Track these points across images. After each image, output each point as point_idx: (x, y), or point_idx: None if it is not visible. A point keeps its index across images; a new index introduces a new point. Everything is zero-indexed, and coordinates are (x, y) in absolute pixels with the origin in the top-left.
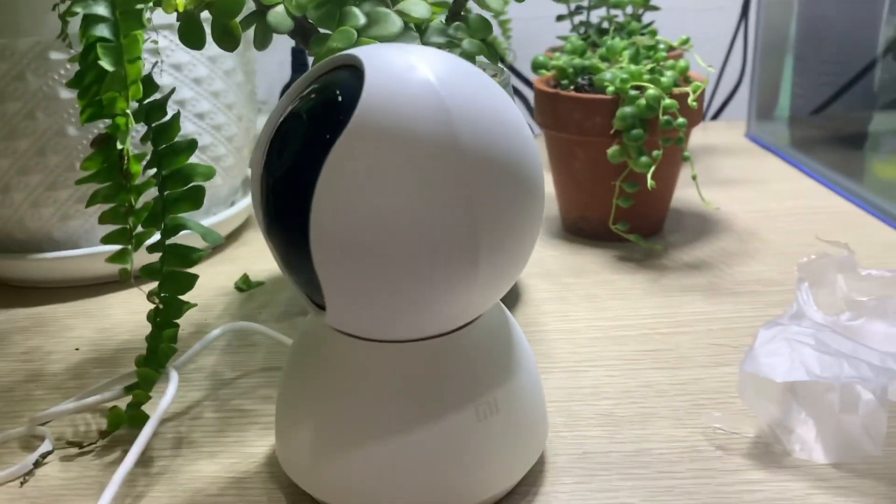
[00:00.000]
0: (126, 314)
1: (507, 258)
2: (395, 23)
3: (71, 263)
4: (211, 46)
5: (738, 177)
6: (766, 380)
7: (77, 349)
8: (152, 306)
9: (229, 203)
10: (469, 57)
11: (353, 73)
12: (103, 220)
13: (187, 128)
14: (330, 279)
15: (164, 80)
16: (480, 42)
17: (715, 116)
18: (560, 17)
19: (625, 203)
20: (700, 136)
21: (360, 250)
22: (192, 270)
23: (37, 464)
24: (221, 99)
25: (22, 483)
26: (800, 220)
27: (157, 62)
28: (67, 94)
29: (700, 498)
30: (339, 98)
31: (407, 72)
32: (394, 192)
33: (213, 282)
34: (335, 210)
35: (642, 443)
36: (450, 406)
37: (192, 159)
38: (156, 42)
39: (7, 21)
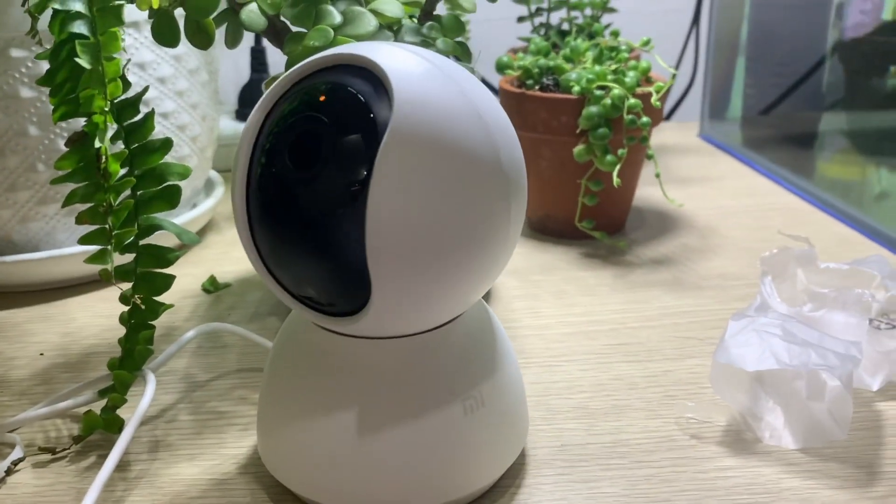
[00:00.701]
0: (89, 318)
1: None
2: (371, 22)
3: (31, 267)
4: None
5: (693, 175)
6: (736, 369)
7: (42, 354)
8: (119, 309)
9: (191, 205)
10: (444, 55)
11: (360, 72)
12: (81, 219)
13: None
14: (382, 280)
15: (129, 78)
16: (454, 42)
17: (668, 117)
18: (521, 19)
19: (590, 201)
20: (655, 136)
21: (415, 251)
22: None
23: (8, 471)
24: (186, 98)
25: None
26: (756, 217)
27: (128, 60)
28: (29, 93)
29: (678, 485)
30: (364, 98)
31: (426, 70)
32: (444, 193)
33: (178, 284)
34: (391, 214)
35: (619, 434)
36: (437, 401)
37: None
38: (122, 40)
39: None
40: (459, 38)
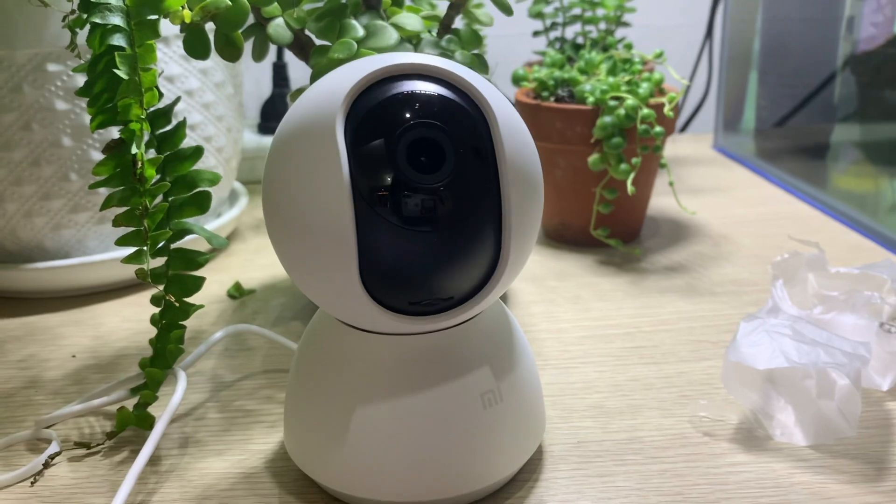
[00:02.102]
0: (118, 322)
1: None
2: (392, 35)
3: (62, 273)
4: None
5: (707, 185)
6: (748, 369)
7: (74, 356)
8: (146, 314)
9: (217, 214)
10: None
11: (421, 78)
12: (118, 222)
13: None
14: (510, 259)
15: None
16: (472, 54)
17: (683, 129)
18: (536, 33)
19: (605, 209)
20: (669, 148)
21: (534, 229)
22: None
23: (45, 465)
24: (212, 111)
25: (32, 483)
26: (768, 225)
27: (161, 71)
28: (63, 106)
29: (690, 479)
30: (465, 105)
31: (476, 74)
32: (530, 160)
33: (205, 290)
34: (517, 199)
35: (633, 431)
36: (457, 395)
37: None
38: None
39: (5, 33)
40: (476, 51)
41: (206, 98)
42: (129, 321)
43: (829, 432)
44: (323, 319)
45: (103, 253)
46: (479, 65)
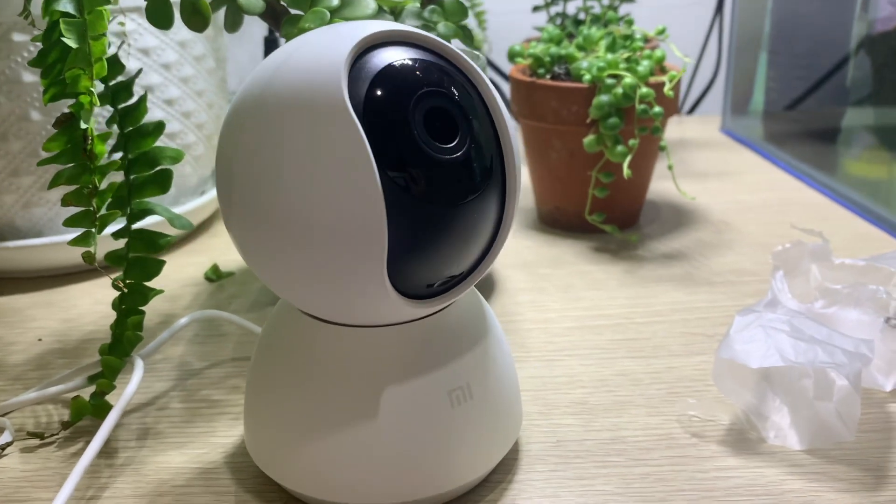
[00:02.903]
0: (91, 304)
1: None
2: (369, 4)
3: (34, 253)
4: (181, 30)
5: (712, 169)
6: (742, 367)
7: (40, 339)
8: (118, 295)
9: (199, 192)
10: (445, 40)
11: (405, 49)
12: (66, 201)
13: (155, 114)
14: (508, 226)
15: (131, 64)
16: (456, 25)
17: (691, 111)
18: (536, 8)
19: (601, 193)
20: (676, 130)
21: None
22: (161, 258)
23: None
24: (191, 85)
25: None
26: (774, 212)
27: (122, 42)
28: (31, 78)
29: (675, 484)
30: (463, 72)
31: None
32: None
33: (182, 272)
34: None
35: (617, 431)
36: (422, 392)
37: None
38: (122, 24)
39: None
40: (461, 22)
41: (185, 72)
42: (102, 304)
43: (826, 436)
44: (285, 310)
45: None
46: (464, 36)
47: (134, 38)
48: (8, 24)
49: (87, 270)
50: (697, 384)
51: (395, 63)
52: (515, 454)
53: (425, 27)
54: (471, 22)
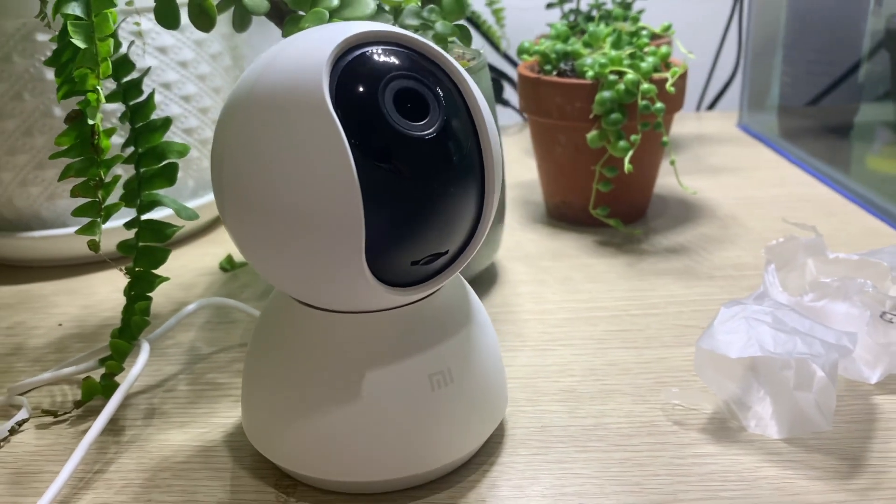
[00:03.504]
0: (109, 291)
1: None
2: (369, 5)
3: (58, 242)
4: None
5: (726, 165)
6: (725, 357)
7: (60, 324)
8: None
9: None
10: (442, 40)
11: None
12: (74, 193)
13: (173, 110)
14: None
15: (148, 62)
16: (453, 25)
17: (711, 106)
18: (550, 5)
19: (604, 188)
20: (694, 126)
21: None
22: (177, 249)
23: (12, 430)
24: (208, 82)
25: None
26: (783, 207)
27: (132, 42)
28: (53, 76)
29: (651, 469)
30: (434, 62)
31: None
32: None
33: (198, 262)
34: (495, 147)
35: (601, 417)
36: (404, 375)
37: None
38: (138, 24)
39: None
40: (459, 21)
41: (202, 69)
42: (120, 291)
43: (804, 426)
44: (278, 296)
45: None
46: (462, 35)
47: (151, 37)
48: (32, 24)
49: (106, 260)
50: (686, 374)
51: (366, 52)
52: (500, 438)
53: (424, 26)
54: (489, 18)
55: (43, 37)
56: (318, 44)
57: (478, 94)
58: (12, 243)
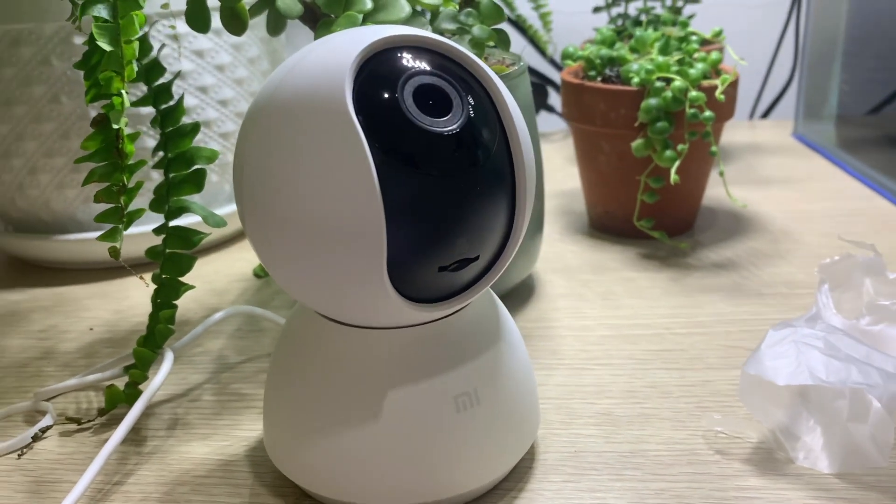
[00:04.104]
0: (142, 296)
1: None
2: (404, 8)
3: (93, 245)
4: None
5: (779, 176)
6: (772, 384)
7: (91, 329)
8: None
9: None
10: (479, 44)
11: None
12: (98, 198)
13: (209, 114)
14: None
15: (184, 65)
16: (491, 29)
17: (765, 115)
18: (597, 9)
19: (650, 199)
20: (746, 135)
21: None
22: (211, 254)
23: (35, 437)
24: (245, 87)
25: (19, 455)
26: (838, 222)
27: (162, 45)
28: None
29: (690, 501)
30: (460, 63)
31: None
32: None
33: (231, 268)
34: (528, 151)
35: (639, 444)
36: (427, 395)
37: (216, 147)
38: (174, 27)
39: (33, 6)
40: (497, 26)
41: (239, 73)
42: None
43: (858, 460)
44: (301, 309)
45: (135, 226)
46: (500, 40)
47: (188, 41)
48: (70, 28)
49: (141, 264)
50: (731, 399)
51: (388, 54)
52: (531, 462)
53: (461, 30)
54: (536, 23)
55: (80, 40)
56: (341, 48)
57: (507, 97)
58: (48, 246)
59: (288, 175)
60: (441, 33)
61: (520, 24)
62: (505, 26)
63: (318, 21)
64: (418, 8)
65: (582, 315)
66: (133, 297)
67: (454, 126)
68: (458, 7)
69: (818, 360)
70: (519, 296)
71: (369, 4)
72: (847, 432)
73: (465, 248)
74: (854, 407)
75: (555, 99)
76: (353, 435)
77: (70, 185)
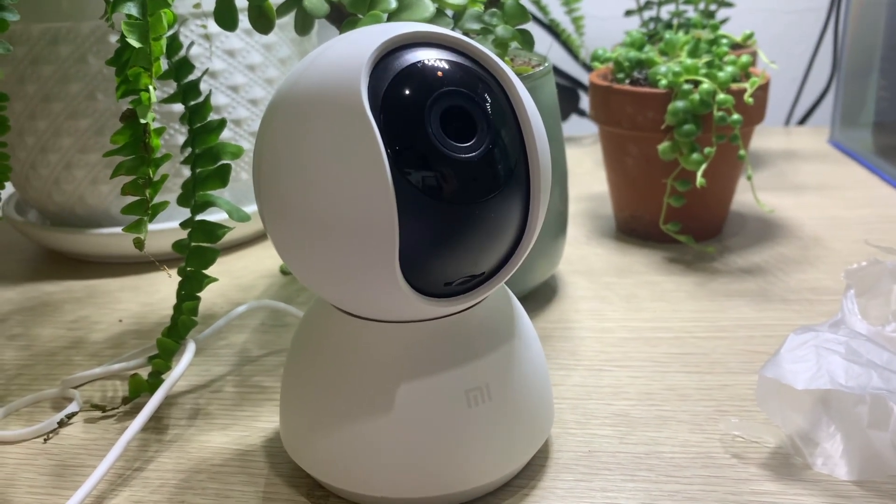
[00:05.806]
0: (171, 291)
1: None
2: (429, 7)
3: (125, 239)
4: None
5: (813, 182)
6: (792, 388)
7: (120, 321)
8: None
9: None
10: (503, 44)
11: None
12: (125, 191)
13: (240, 113)
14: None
15: (216, 64)
16: (515, 29)
17: (802, 122)
18: (629, 13)
19: (676, 202)
20: (781, 141)
21: (548, 193)
22: (240, 251)
23: (61, 423)
24: (276, 86)
25: (45, 440)
26: (870, 229)
27: (191, 43)
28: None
29: None
30: (486, 71)
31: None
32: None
33: (260, 264)
34: (545, 167)
35: (654, 445)
36: (439, 389)
37: (246, 145)
38: (205, 27)
39: (71, 4)
40: (521, 26)
41: (269, 73)
42: None
43: (878, 468)
44: (319, 302)
45: (166, 221)
46: (524, 40)
47: (220, 41)
48: (105, 27)
49: (171, 258)
50: (749, 404)
51: (418, 63)
52: (544, 461)
53: (485, 30)
54: (568, 27)
55: (115, 38)
56: (358, 44)
57: (528, 103)
58: (83, 239)
59: (304, 167)
60: (466, 33)
61: (553, 28)
62: (537, 30)
63: (344, 20)
64: (444, 9)
65: (603, 317)
66: (162, 290)
67: (476, 153)
68: (482, 7)
69: (839, 364)
70: (541, 297)
71: (394, 4)
72: (867, 439)
73: (471, 268)
74: (874, 413)
75: (586, 102)
76: (365, 426)
77: (104, 181)
